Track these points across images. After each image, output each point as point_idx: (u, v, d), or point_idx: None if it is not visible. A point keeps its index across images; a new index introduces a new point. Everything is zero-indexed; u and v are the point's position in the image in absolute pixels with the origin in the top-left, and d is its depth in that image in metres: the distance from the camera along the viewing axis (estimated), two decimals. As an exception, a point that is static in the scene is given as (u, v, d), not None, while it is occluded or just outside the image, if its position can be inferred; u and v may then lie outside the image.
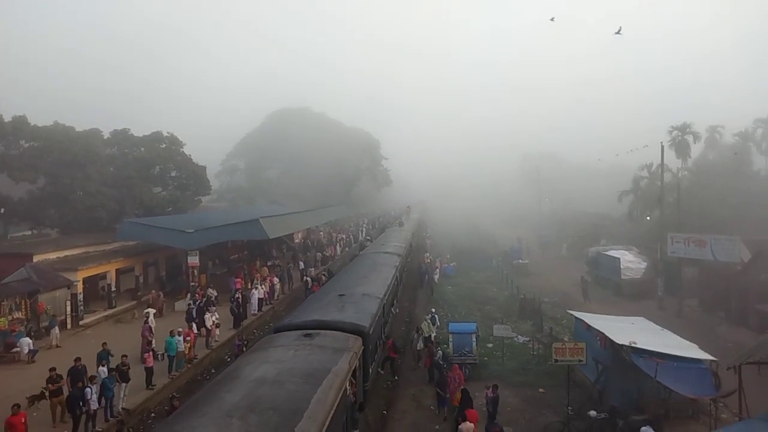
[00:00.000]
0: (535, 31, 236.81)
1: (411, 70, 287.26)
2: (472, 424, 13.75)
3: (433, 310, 26.30)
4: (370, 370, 16.24)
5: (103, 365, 16.84)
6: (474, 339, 20.63)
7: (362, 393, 14.85)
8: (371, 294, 19.72)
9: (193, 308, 24.75)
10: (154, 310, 25.69)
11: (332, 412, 9.91)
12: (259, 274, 33.88)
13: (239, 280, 31.11)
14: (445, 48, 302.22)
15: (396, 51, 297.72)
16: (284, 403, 9.34)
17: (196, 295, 27.75)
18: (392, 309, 24.60)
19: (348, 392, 12.16)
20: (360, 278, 22.92)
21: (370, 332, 15.84)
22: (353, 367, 12.91)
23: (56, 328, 23.41)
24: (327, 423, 9.30)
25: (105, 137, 44.59)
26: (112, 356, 17.85)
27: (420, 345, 21.50)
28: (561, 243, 56.44)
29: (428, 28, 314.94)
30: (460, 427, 13.84)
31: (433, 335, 22.39)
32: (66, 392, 15.50)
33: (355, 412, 13.23)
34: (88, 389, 14.98)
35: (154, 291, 29.82)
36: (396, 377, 20.05)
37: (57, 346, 22.68)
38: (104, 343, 18.55)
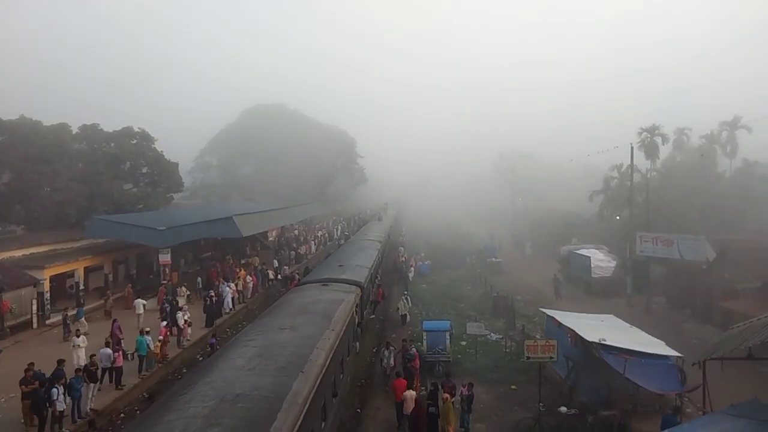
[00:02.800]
0: (522, 34, 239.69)
1: (388, 68, 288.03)
2: (414, 392, 15.36)
3: (406, 292, 30.94)
4: (364, 311, 23.53)
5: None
6: (448, 337, 20.79)
7: (360, 321, 21.65)
8: (362, 265, 26.52)
9: (167, 306, 24.50)
10: (144, 302, 25.76)
11: (347, 319, 16.56)
12: (243, 269, 34.01)
13: (237, 270, 33.30)
14: (427, 47, 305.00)
15: (376, 48, 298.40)
16: (321, 312, 15.87)
17: (162, 295, 27.48)
18: (376, 279, 31.11)
19: (354, 315, 18.84)
20: (352, 255, 29.70)
21: (365, 285, 22.99)
22: (356, 303, 19.74)
23: (83, 318, 24.17)
24: (345, 324, 15.89)
25: (74, 132, 43.46)
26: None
27: (391, 362, 19.25)
28: (526, 242, 56.91)
29: (411, 26, 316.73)
30: (404, 394, 15.12)
31: (408, 314, 27.04)
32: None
33: (357, 329, 20.15)
34: (54, 390, 14.58)
35: (130, 286, 29.57)
36: (374, 315, 27.58)
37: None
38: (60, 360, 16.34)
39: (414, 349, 19.49)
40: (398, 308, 27.32)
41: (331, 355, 12.76)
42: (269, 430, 8.10)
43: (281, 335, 12.98)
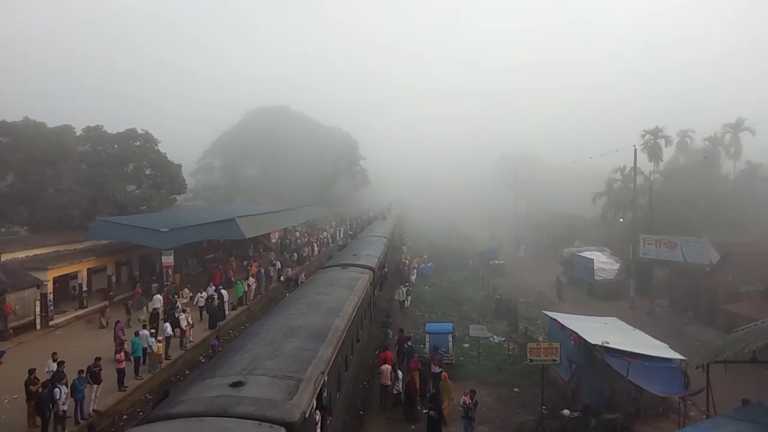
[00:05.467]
0: (525, 37, 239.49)
1: (390, 71, 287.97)
2: (389, 366, 16.97)
3: (407, 284, 33.69)
4: (375, 291, 28.29)
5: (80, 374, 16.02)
6: (450, 339, 20.83)
7: (372, 297, 26.05)
8: (372, 254, 31.34)
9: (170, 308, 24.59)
10: (161, 297, 26.22)
11: (364, 293, 21.42)
12: (255, 265, 34.71)
13: (255, 264, 34.95)
14: (429, 50, 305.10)
15: (380, 52, 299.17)
16: (345, 285, 20.79)
17: (166, 296, 27.52)
18: (383, 266, 35.14)
19: (368, 291, 23.39)
20: (363, 247, 34.07)
21: (375, 269, 27.91)
22: (369, 282, 24.23)
23: (144, 307, 26.34)
24: (362, 296, 20.64)
25: (78, 134, 43.59)
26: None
27: (400, 386, 16.98)
28: (519, 244, 56.65)
29: (414, 29, 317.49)
30: (381, 368, 17.05)
31: (407, 302, 30.61)
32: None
33: (371, 303, 24.88)
34: (57, 390, 14.62)
35: (138, 286, 29.74)
36: (381, 292, 32.30)
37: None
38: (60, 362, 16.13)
39: (409, 343, 20.11)
40: (397, 295, 30.93)
41: (355, 311, 17.57)
42: (324, 342, 12.81)
43: (319, 297, 18.04)
